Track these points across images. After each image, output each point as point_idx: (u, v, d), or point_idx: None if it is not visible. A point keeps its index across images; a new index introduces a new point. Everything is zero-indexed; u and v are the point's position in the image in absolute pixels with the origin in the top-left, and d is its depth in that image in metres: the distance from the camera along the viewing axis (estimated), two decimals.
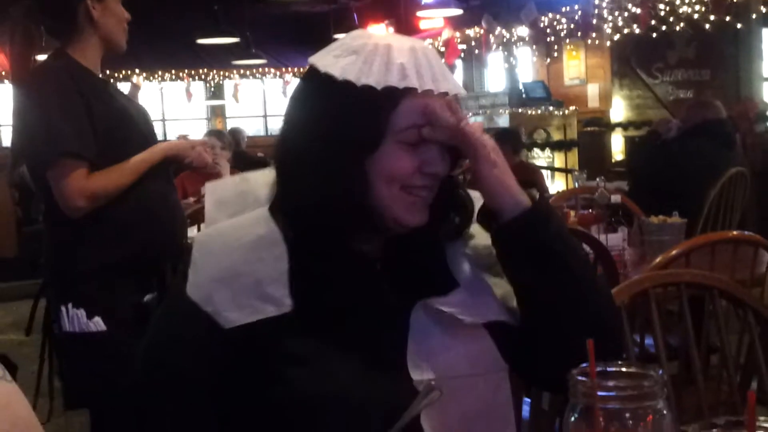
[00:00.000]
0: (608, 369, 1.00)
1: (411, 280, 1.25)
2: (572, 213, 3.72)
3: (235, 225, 1.21)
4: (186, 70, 14.70)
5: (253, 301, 1.14)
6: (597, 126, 10.25)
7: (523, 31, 10.19)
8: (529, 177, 6.17)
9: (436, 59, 1.22)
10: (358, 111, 1.17)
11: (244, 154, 8.33)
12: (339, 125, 1.18)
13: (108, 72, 14.46)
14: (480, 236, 1.31)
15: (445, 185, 1.25)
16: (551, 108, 10.27)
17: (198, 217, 3.96)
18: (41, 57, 2.53)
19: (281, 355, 1.16)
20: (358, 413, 1.12)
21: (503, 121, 10.17)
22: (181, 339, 1.19)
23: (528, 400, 2.36)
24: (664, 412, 0.95)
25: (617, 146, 10.38)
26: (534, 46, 10.66)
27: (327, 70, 1.19)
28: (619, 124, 10.35)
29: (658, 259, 2.37)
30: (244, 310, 1.14)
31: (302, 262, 1.17)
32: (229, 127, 12.33)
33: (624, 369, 1.00)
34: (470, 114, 10.92)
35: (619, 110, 10.42)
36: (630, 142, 10.00)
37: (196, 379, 1.18)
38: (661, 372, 0.97)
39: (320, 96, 1.21)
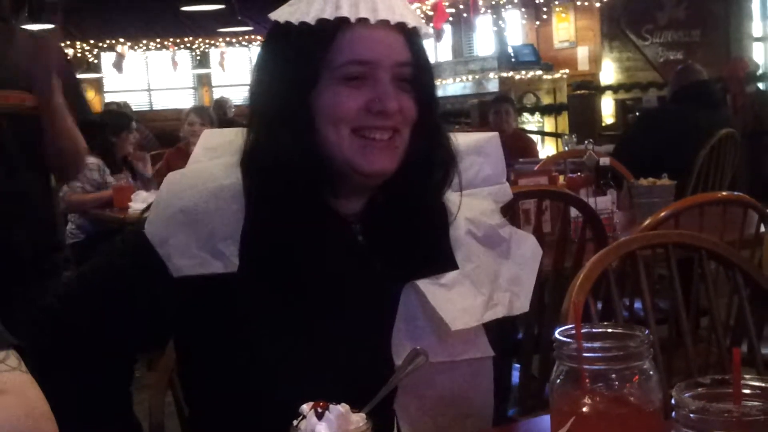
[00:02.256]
0: (594, 330, 1.00)
1: (401, 251, 1.20)
2: (561, 177, 3.70)
3: (205, 169, 1.20)
4: (171, 39, 14.57)
5: (204, 253, 1.13)
6: (587, 89, 10.22)
7: None
8: (525, 147, 6.15)
9: None
10: (294, 49, 1.15)
11: (231, 123, 8.28)
12: (278, 67, 1.16)
13: (92, 41, 14.35)
14: (483, 211, 1.27)
15: (427, 135, 1.19)
16: (541, 72, 10.22)
17: None
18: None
19: (246, 316, 1.14)
20: (336, 380, 1.09)
21: (492, 85, 10.12)
22: (125, 272, 1.19)
23: (518, 366, 2.37)
24: (650, 372, 0.95)
25: (607, 109, 10.35)
26: (523, 9, 10.58)
27: (275, 18, 1.18)
28: (609, 87, 10.31)
29: (647, 221, 2.36)
30: (194, 260, 1.13)
31: (261, 220, 1.14)
32: (215, 96, 12.24)
33: (609, 330, 1.00)
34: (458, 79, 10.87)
35: (609, 73, 10.38)
36: (620, 105, 9.98)
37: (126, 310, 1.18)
38: (647, 332, 0.96)
39: (269, 45, 1.20)
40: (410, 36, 1.16)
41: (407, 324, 1.15)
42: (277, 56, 1.17)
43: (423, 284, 1.16)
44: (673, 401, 0.83)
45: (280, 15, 1.18)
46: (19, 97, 2.15)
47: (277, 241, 1.14)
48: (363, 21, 1.12)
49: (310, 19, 1.13)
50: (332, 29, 1.13)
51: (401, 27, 1.14)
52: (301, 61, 1.14)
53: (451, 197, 1.25)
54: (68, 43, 13.95)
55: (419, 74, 1.17)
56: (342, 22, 1.12)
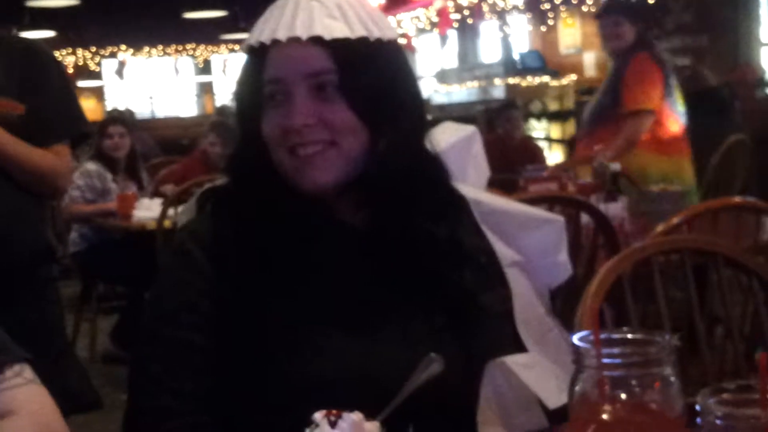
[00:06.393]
0: (613, 336, 0.98)
1: (406, 273, 1.19)
2: (570, 183, 3.68)
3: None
4: (173, 46, 14.61)
5: None
6: (594, 95, 10.20)
7: None
8: (533, 155, 6.12)
9: (293, 7, 1.16)
10: (241, 75, 1.23)
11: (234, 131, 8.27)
12: (236, 91, 1.24)
13: (94, 49, 14.40)
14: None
15: (392, 140, 1.19)
16: (547, 78, 10.22)
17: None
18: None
19: (265, 321, 1.15)
20: (348, 387, 1.09)
21: (498, 92, 10.13)
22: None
23: None
24: (672, 378, 0.93)
25: None
26: (528, 15, 10.59)
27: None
28: None
29: (659, 228, 2.33)
30: None
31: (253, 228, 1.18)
32: (218, 104, 12.24)
33: (629, 336, 0.98)
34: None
35: None
36: None
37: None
38: (668, 337, 0.94)
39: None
40: (335, 44, 1.15)
41: (497, 401, 1.15)
42: (237, 80, 1.25)
43: (511, 362, 1.16)
44: (698, 407, 0.82)
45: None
46: (8, 105, 2.06)
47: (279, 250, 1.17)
48: (278, 42, 1.15)
49: (244, 47, 1.20)
50: (256, 56, 1.18)
51: (320, 39, 1.15)
52: (242, 88, 1.22)
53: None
54: (70, 50, 14.02)
55: (350, 81, 1.16)
56: (259, 49, 1.17)
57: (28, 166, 2.10)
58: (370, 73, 1.17)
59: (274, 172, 1.18)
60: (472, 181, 1.33)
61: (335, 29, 1.15)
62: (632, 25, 4.15)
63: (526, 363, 1.17)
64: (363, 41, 1.16)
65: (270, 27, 1.16)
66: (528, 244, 1.31)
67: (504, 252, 1.28)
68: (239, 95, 1.22)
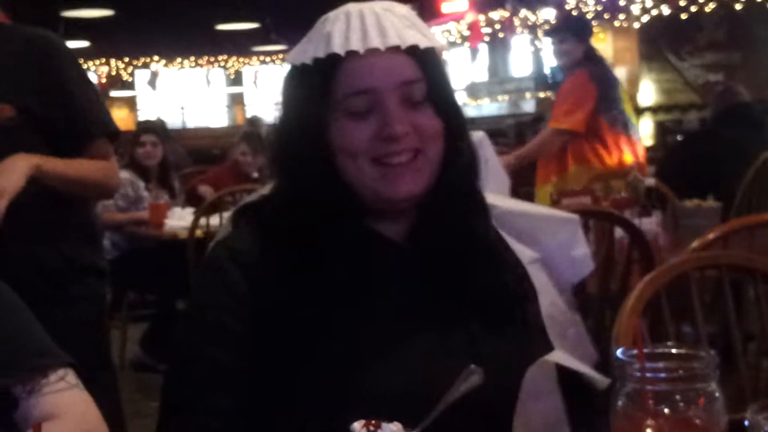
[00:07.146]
0: (656, 350, 0.97)
1: (454, 277, 1.19)
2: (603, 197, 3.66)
3: None
4: (205, 57, 14.75)
5: None
6: None
7: (548, 13, 10.10)
8: None
9: (374, 17, 1.16)
10: (300, 90, 1.19)
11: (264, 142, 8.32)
12: (291, 109, 1.20)
13: (127, 60, 14.58)
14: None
15: (461, 146, 1.20)
16: None
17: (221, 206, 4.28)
18: None
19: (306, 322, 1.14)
20: (388, 397, 1.08)
21: (528, 106, 10.12)
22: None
23: None
24: (716, 394, 0.92)
25: (646, 131, 10.28)
26: None
27: (286, 61, 1.22)
28: (647, 109, 10.24)
29: (694, 243, 2.30)
30: None
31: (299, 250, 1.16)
32: (248, 115, 12.32)
33: (673, 350, 0.97)
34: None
35: (648, 94, 10.31)
36: (660, 127, 9.89)
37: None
38: (713, 353, 0.93)
39: (283, 88, 1.24)
40: (419, 53, 1.17)
41: (535, 402, 1.14)
42: (290, 98, 1.22)
43: (552, 358, 1.15)
44: (746, 423, 0.81)
45: (289, 57, 1.22)
46: None
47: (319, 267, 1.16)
48: (357, 52, 1.14)
49: (308, 59, 1.17)
50: (329, 66, 1.15)
51: (406, 48, 1.15)
52: (307, 101, 1.18)
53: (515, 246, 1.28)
54: (103, 60, 14.20)
55: (436, 88, 1.18)
56: (338, 58, 1.14)
57: (85, 182, 2.08)
58: (448, 80, 1.22)
59: (337, 183, 1.17)
60: (491, 187, 1.32)
61: (419, 39, 1.16)
62: (578, 42, 4.25)
63: (561, 356, 1.18)
64: (438, 51, 1.20)
65: (355, 36, 1.14)
66: (546, 244, 1.31)
67: (523, 251, 1.28)
68: (300, 109, 1.19)
